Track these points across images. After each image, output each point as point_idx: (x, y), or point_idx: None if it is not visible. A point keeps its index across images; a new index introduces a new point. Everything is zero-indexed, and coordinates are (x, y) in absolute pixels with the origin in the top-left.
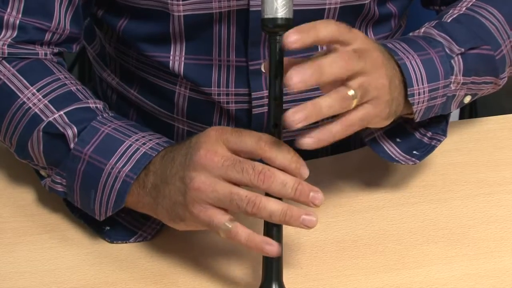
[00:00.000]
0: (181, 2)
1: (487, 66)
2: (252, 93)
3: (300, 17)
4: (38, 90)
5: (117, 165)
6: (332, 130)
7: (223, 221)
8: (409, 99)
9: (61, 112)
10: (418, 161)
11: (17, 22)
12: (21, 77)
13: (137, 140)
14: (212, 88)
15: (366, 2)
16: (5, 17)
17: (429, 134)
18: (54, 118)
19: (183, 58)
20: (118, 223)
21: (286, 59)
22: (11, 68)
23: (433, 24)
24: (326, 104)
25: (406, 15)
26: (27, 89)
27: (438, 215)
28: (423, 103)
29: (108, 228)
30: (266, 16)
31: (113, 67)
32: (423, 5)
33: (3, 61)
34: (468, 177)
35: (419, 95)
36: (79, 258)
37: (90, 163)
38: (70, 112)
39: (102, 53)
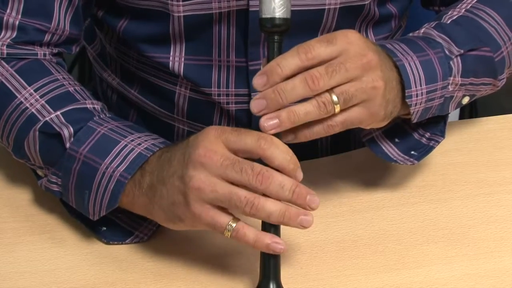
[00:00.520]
0: (181, 3)
1: (486, 68)
2: (252, 93)
3: (300, 18)
4: (35, 90)
5: (112, 165)
6: (314, 129)
7: (227, 221)
8: (407, 100)
9: (58, 112)
10: (416, 162)
11: (17, 23)
12: (19, 77)
13: (132, 140)
14: (212, 89)
15: (366, 2)
16: (5, 18)
17: (427, 134)
18: (51, 118)
19: (183, 59)
20: (115, 224)
21: None
22: (9, 68)
23: (433, 25)
24: (303, 110)
25: (406, 15)
26: (25, 89)
27: (438, 215)
28: (420, 104)
29: (104, 228)
30: (264, 16)
31: (113, 67)
32: (423, 5)
33: (2, 61)
34: (468, 177)
35: (416, 96)
36: (79, 258)
37: (85, 163)
38: (66, 112)
39: (103, 54)
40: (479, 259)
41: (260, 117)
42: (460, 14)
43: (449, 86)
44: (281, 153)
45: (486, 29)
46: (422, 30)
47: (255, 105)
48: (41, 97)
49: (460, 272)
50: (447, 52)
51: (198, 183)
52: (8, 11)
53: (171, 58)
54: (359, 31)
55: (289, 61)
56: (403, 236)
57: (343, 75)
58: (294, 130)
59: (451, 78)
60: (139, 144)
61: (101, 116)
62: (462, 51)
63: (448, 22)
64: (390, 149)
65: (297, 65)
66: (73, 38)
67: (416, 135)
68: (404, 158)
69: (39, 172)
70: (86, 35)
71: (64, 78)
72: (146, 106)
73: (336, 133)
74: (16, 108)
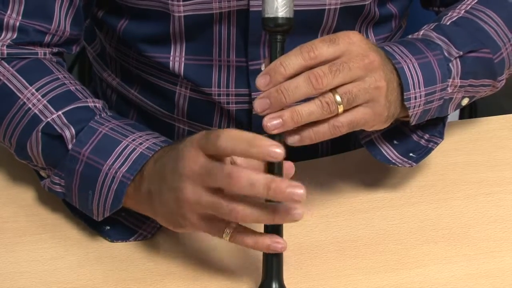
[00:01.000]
0: (181, 3)
1: (485, 69)
2: (252, 93)
3: (300, 18)
4: (37, 90)
5: (114, 165)
6: (319, 130)
7: (223, 228)
8: (405, 103)
9: (60, 112)
10: (414, 164)
11: (17, 24)
12: (20, 77)
13: (134, 140)
14: (212, 89)
15: (366, 3)
16: (5, 19)
17: (426, 136)
18: (53, 118)
19: (183, 59)
20: (118, 222)
21: None
22: (10, 68)
23: (432, 27)
24: (306, 110)
25: (406, 15)
26: (27, 89)
27: (438, 215)
28: (419, 106)
29: (108, 227)
30: (266, 16)
31: (113, 67)
32: (423, 6)
33: (3, 62)
34: (468, 177)
35: (415, 99)
36: (79, 258)
37: (87, 164)
38: (68, 112)
39: (103, 54)
40: (479, 259)
41: (261, 117)
42: (460, 15)
43: (448, 88)
44: (233, 142)
45: (486, 31)
46: (421, 32)
47: (259, 105)
48: (43, 96)
49: (460, 272)
50: (446, 54)
51: (187, 196)
52: (8, 12)
53: (171, 58)
54: (359, 31)
55: (293, 60)
56: (403, 236)
57: (346, 74)
58: (299, 132)
59: (450, 80)
60: (141, 143)
61: (102, 115)
62: (461, 53)
63: (448, 23)
64: (388, 151)
65: (300, 64)
66: (74, 39)
67: (414, 137)
68: (403, 160)
69: (42, 173)
70: (86, 35)
71: (65, 77)
72: (146, 106)
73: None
74: (19, 109)
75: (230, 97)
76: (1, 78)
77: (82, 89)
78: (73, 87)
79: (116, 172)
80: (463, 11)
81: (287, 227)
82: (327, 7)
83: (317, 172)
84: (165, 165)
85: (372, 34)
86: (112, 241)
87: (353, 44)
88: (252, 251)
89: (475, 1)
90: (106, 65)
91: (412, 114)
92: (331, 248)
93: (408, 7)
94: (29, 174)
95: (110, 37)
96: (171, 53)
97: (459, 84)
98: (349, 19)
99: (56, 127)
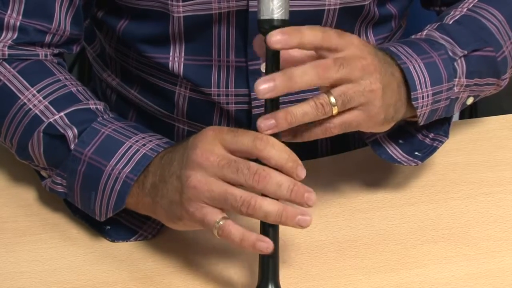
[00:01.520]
0: (181, 3)
1: (489, 68)
2: (252, 94)
3: (299, 18)
4: (38, 91)
5: (117, 166)
6: (312, 130)
7: (215, 219)
8: (413, 103)
9: (62, 114)
10: (420, 162)
11: (18, 24)
12: (21, 78)
13: (137, 141)
14: (212, 89)
15: (366, 3)
16: (6, 19)
17: (431, 135)
18: (55, 119)
19: (182, 59)
20: (119, 223)
21: (283, 60)
22: (11, 69)
23: (435, 27)
24: (300, 111)
25: (406, 15)
26: (28, 90)
27: (438, 215)
28: (427, 106)
29: (109, 227)
30: (262, 17)
31: (113, 67)
32: (423, 6)
33: (4, 63)
34: (468, 177)
35: (422, 98)
36: (79, 258)
37: (90, 164)
38: (70, 113)
39: (102, 54)
40: (479, 259)
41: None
42: (462, 13)
43: (455, 88)
44: (278, 152)
45: (489, 28)
46: (424, 32)
47: (262, 86)
48: (44, 98)
49: (460, 272)
50: (450, 53)
51: (195, 182)
52: (8, 12)
53: (170, 58)
54: (359, 32)
55: (312, 32)
56: (403, 236)
57: (346, 71)
58: (293, 130)
59: (456, 79)
60: (144, 145)
61: (105, 117)
62: (465, 52)
63: (450, 22)
64: (394, 150)
65: (318, 36)
66: (74, 39)
67: (419, 136)
68: (408, 159)
69: (43, 173)
70: (86, 35)
71: (66, 78)
72: (146, 106)
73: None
74: (19, 109)
75: (229, 97)
76: (2, 79)
77: (83, 90)
78: (75, 89)
79: (119, 173)
80: (466, 9)
81: (287, 227)
82: (326, 8)
83: (317, 172)
84: (172, 158)
85: (372, 34)
86: (112, 241)
87: (352, 45)
88: (249, 253)
89: None
90: (106, 65)
91: (420, 114)
92: (331, 248)
93: (408, 7)
94: (29, 174)
95: (109, 38)
96: (171, 54)
97: (465, 83)
98: (348, 19)
99: (58, 127)
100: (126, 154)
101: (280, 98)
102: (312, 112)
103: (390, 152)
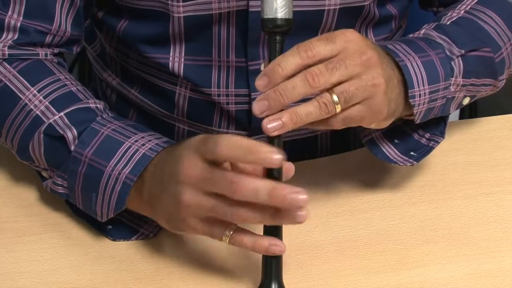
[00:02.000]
0: (181, 3)
1: (486, 68)
2: (252, 94)
3: (299, 18)
4: (39, 91)
5: (117, 167)
6: (314, 125)
7: (222, 230)
8: (410, 100)
9: (62, 114)
10: (415, 163)
11: (18, 24)
12: (22, 78)
13: (136, 141)
14: (212, 89)
15: (366, 3)
16: (6, 20)
17: (427, 135)
18: (55, 120)
19: (182, 59)
20: (120, 222)
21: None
22: (11, 69)
23: (433, 26)
24: (304, 111)
25: (406, 15)
26: (28, 90)
27: (438, 215)
28: (423, 104)
29: (110, 227)
30: (265, 17)
31: (113, 67)
32: (421, 6)
33: (4, 63)
34: (468, 177)
35: (419, 96)
36: (79, 258)
37: (90, 165)
38: (70, 113)
39: (103, 54)
40: (479, 259)
41: (260, 118)
42: (460, 15)
43: (451, 87)
44: (234, 151)
45: (486, 30)
46: (422, 31)
47: (257, 107)
48: (44, 97)
49: (460, 272)
50: (448, 53)
51: (186, 200)
52: (9, 13)
53: (170, 58)
54: (359, 32)
55: (290, 60)
56: (403, 236)
57: (343, 71)
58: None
59: (453, 78)
60: (143, 144)
61: (104, 116)
62: (463, 51)
63: (448, 23)
64: (389, 150)
65: (297, 63)
66: (74, 39)
67: (415, 136)
68: (404, 159)
69: (44, 174)
70: (86, 35)
71: (66, 78)
72: (146, 106)
73: (337, 131)
74: (21, 110)
75: (229, 98)
76: (3, 79)
77: (83, 89)
78: (75, 88)
79: (119, 173)
80: (463, 11)
81: (287, 227)
82: (326, 8)
83: (317, 172)
84: (163, 170)
85: (372, 35)
86: (114, 240)
87: (349, 42)
88: (252, 252)
89: (475, 1)
90: (106, 65)
91: (416, 112)
92: (331, 248)
93: (408, 7)
94: (29, 174)
95: (110, 38)
96: (171, 54)
97: (461, 83)
98: (348, 19)
99: (58, 128)
100: (126, 154)
101: None
102: (316, 112)
103: (386, 152)
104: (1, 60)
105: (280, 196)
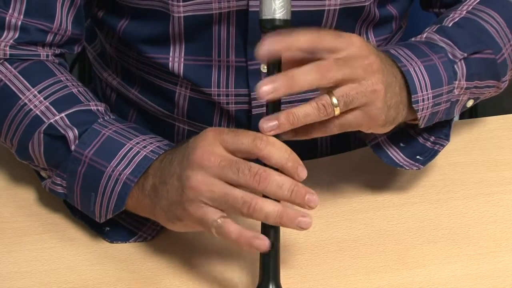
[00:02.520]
0: (181, 3)
1: (489, 70)
2: (252, 93)
3: (299, 18)
4: (39, 92)
5: (118, 168)
6: (312, 130)
7: (214, 218)
8: (413, 105)
9: (62, 114)
10: (422, 166)
11: (19, 23)
12: (22, 79)
13: (137, 143)
14: (212, 89)
15: (366, 4)
16: (7, 18)
17: (432, 138)
18: (55, 120)
19: (182, 59)
20: (118, 224)
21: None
22: (12, 70)
23: (435, 29)
24: (302, 112)
25: (407, 16)
26: (29, 91)
27: (438, 215)
28: (427, 109)
29: (108, 228)
30: (264, 17)
31: (113, 67)
32: (422, 7)
33: (5, 62)
34: (468, 177)
35: (423, 101)
36: (79, 258)
37: (90, 166)
38: (71, 114)
39: (103, 54)
40: (479, 259)
41: (259, 117)
42: (462, 16)
43: (455, 90)
44: (278, 151)
45: (488, 31)
46: (424, 35)
47: (264, 88)
48: (45, 98)
49: (460, 272)
50: (450, 56)
51: (195, 183)
52: (10, 11)
53: (170, 58)
54: (359, 32)
55: (301, 32)
56: (403, 236)
57: (348, 71)
58: (294, 129)
59: (457, 82)
60: (145, 146)
61: (105, 118)
62: (465, 54)
63: (450, 25)
64: (395, 154)
65: (308, 40)
66: (75, 38)
67: (420, 140)
68: (410, 163)
69: (43, 174)
70: (87, 35)
71: (67, 79)
72: (146, 106)
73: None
74: (20, 109)
75: (229, 97)
76: (3, 79)
77: (84, 91)
78: (76, 89)
79: (120, 174)
80: (465, 11)
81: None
82: (326, 8)
83: (317, 172)
84: (173, 159)
85: (372, 35)
86: (111, 242)
87: (353, 45)
88: (250, 253)
89: (477, 2)
90: (106, 65)
91: (420, 117)
92: (331, 248)
93: (408, 8)
94: (29, 174)
95: (110, 37)
96: (171, 54)
97: (465, 86)
98: (348, 20)
99: (59, 128)
100: (127, 156)
101: (282, 98)
102: (314, 113)
103: (392, 156)
104: (2, 60)
105: (298, 193)
